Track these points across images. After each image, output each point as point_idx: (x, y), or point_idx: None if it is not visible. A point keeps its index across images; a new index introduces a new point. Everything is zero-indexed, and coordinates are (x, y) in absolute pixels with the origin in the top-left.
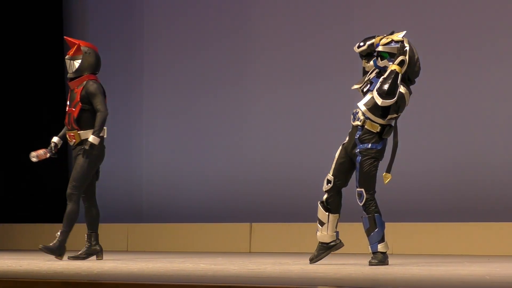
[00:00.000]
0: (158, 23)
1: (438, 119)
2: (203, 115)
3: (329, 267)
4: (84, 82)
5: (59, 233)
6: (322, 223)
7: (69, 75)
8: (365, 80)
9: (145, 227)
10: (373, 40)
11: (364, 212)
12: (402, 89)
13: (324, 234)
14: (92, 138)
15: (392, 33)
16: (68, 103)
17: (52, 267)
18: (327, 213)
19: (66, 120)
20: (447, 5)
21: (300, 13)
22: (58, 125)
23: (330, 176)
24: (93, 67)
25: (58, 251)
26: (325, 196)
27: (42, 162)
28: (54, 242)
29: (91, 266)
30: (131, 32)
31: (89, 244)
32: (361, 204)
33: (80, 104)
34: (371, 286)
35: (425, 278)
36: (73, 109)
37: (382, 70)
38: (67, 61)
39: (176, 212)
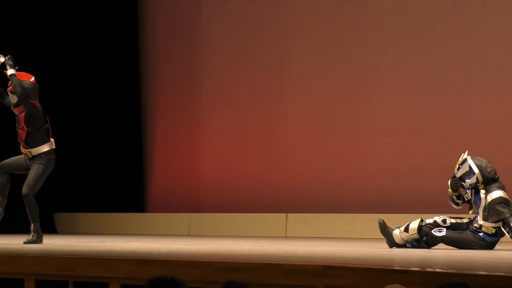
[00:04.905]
0: (215, 32)
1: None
2: (251, 120)
3: (350, 248)
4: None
5: (32, 225)
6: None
7: (12, 104)
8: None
9: (203, 216)
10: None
11: None
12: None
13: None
14: (10, 72)
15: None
16: (16, 124)
17: (129, 247)
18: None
19: (18, 138)
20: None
21: (341, 24)
22: (125, 125)
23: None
24: (30, 97)
25: (39, 240)
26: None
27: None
28: (32, 234)
29: (160, 247)
30: (192, 44)
31: None
32: None
33: (26, 128)
34: (384, 265)
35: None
36: (21, 131)
37: (473, 188)
38: (9, 94)
39: (228, 203)
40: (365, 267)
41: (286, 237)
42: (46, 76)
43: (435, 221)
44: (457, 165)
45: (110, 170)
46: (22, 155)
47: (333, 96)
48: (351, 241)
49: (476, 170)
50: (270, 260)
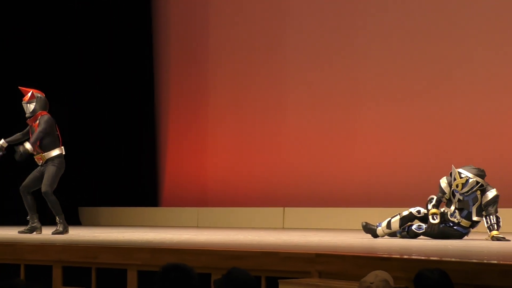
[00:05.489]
0: (222, 44)
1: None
2: (252, 124)
3: (341, 238)
4: (39, 117)
5: (57, 218)
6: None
7: (27, 115)
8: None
9: (210, 210)
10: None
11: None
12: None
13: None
14: (29, 147)
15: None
16: (30, 135)
17: (144, 237)
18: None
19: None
20: None
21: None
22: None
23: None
24: (43, 107)
25: (65, 231)
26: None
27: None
28: (59, 226)
29: (172, 237)
30: (201, 51)
31: (31, 222)
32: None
33: None
34: (367, 253)
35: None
36: None
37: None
38: (24, 105)
39: (232, 198)
40: (352, 255)
41: (283, 228)
42: (66, 78)
43: (410, 213)
44: (458, 184)
45: (128, 170)
46: (34, 170)
47: (327, 101)
48: (342, 232)
49: (480, 179)
50: (269, 248)
